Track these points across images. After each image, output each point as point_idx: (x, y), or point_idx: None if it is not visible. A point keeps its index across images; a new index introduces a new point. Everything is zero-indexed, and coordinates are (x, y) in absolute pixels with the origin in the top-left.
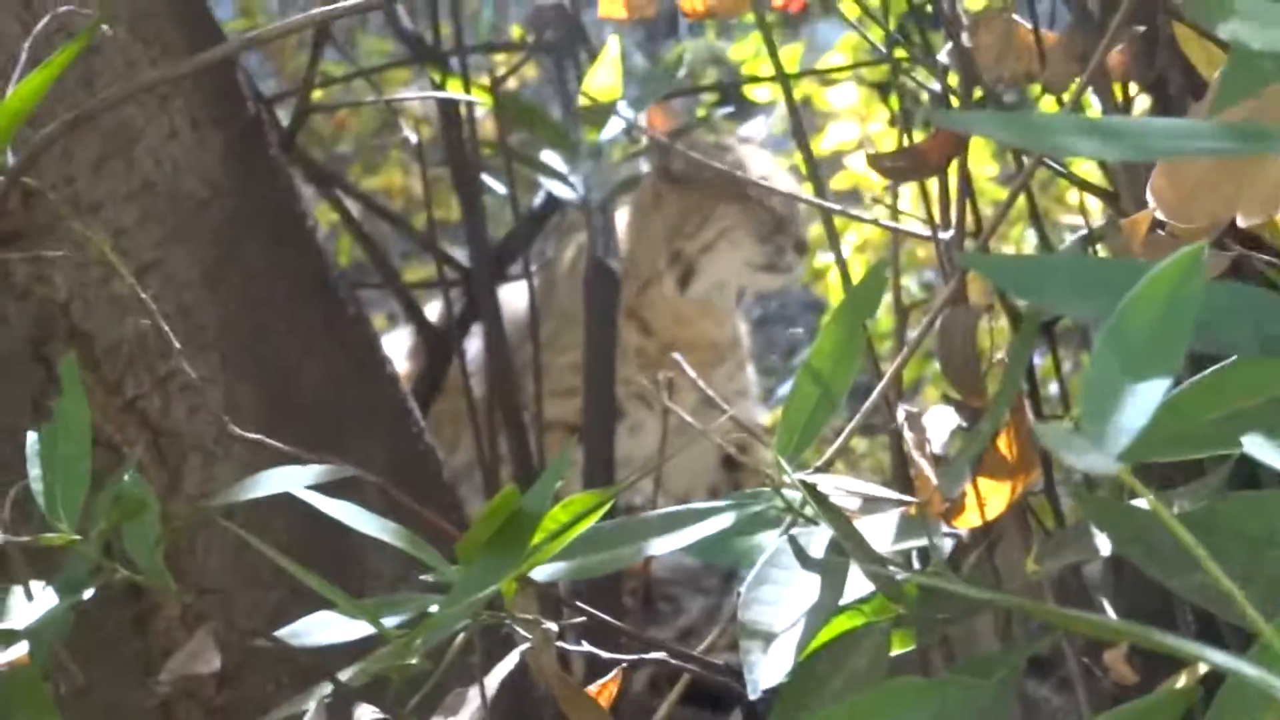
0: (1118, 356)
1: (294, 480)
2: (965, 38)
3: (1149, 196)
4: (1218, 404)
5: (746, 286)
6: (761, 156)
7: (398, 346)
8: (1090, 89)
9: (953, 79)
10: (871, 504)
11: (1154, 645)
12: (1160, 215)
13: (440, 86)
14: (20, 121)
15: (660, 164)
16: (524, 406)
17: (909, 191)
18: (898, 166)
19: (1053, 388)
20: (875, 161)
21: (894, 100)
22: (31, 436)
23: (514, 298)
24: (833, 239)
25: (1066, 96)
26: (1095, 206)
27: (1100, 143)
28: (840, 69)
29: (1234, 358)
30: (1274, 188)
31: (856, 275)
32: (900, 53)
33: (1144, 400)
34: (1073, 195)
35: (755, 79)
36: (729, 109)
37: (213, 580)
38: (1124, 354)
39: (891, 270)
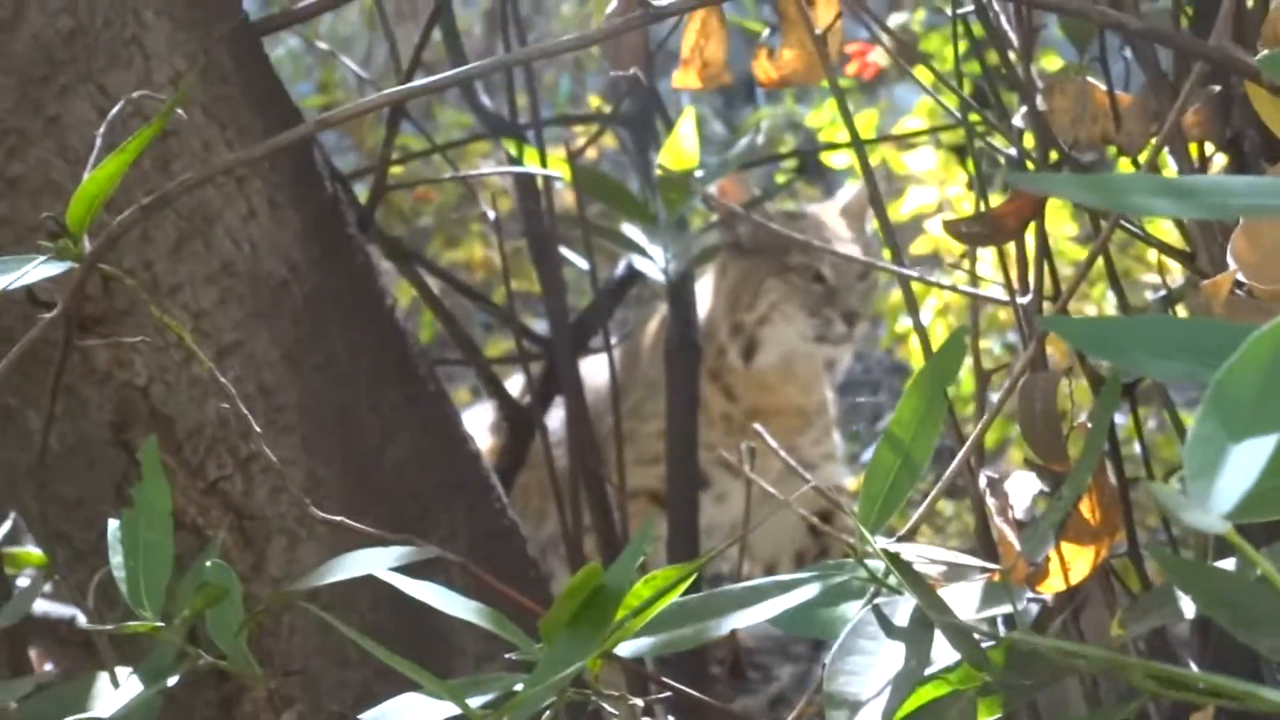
0: (1222, 417)
1: (377, 562)
2: (1040, 101)
3: (1229, 258)
4: None
5: (806, 357)
6: (836, 224)
7: (480, 421)
8: (1166, 149)
9: (1029, 142)
10: (956, 571)
11: (1243, 698)
12: (1241, 276)
13: (517, 159)
14: (97, 207)
15: (728, 236)
16: (607, 477)
17: (989, 254)
18: (975, 232)
19: (1135, 447)
20: (952, 228)
21: (972, 163)
22: (113, 523)
23: (596, 370)
24: (911, 305)
25: (1142, 158)
26: (1174, 265)
27: (1178, 202)
28: (917, 133)
29: None
30: None
31: (938, 340)
32: (975, 117)
33: (1249, 461)
34: (1152, 254)
35: (833, 145)
36: (806, 176)
37: (298, 661)
38: (1228, 415)
39: (971, 335)
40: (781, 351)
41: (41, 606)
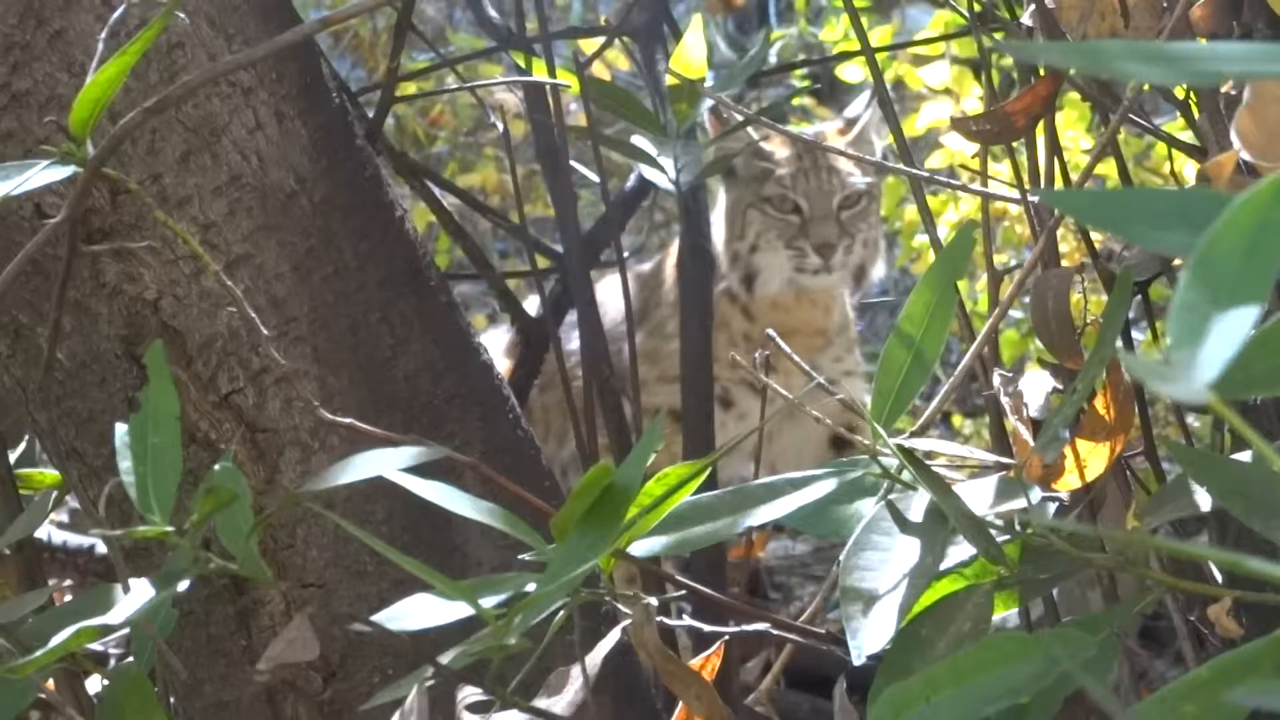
0: (1206, 286)
1: (390, 462)
2: None
3: (1233, 137)
4: None
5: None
6: (836, 145)
7: (495, 343)
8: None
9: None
10: (972, 469)
11: (1262, 576)
12: (1245, 156)
13: (526, 72)
14: (100, 110)
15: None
16: (624, 393)
17: (1005, 169)
18: (984, 129)
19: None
20: (961, 125)
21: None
22: (120, 428)
23: (615, 292)
24: (925, 215)
25: None
26: (1191, 175)
27: (1168, 67)
28: (929, 40)
29: None
30: None
31: None
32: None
33: (1233, 329)
34: (1167, 167)
35: (845, 55)
36: (819, 96)
37: (314, 574)
38: (1212, 283)
39: (983, 233)
40: (779, 280)
41: (60, 536)
